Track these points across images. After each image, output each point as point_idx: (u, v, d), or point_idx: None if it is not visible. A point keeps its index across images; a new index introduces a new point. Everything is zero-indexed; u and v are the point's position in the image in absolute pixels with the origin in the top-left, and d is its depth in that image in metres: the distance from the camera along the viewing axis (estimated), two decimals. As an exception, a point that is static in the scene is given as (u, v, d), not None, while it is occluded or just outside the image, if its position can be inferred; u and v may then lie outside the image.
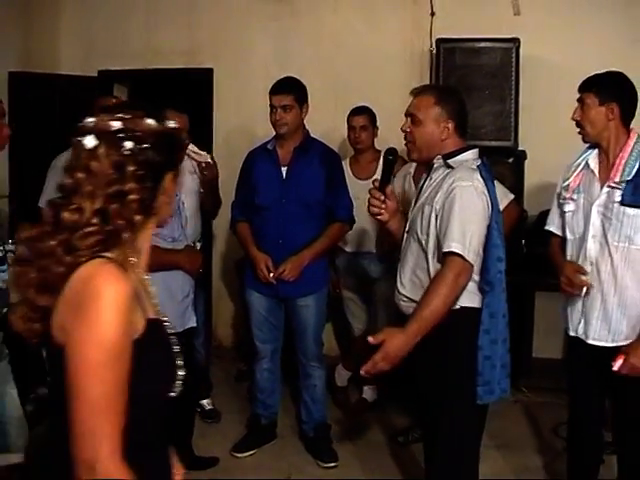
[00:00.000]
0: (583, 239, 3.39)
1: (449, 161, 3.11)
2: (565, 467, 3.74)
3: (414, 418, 4.74)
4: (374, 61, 5.98)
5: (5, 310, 3.23)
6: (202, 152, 4.73)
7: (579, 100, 3.46)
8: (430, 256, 3.07)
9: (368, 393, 5.27)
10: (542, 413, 5.05)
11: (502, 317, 3.10)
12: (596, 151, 3.44)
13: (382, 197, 3.23)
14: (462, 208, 2.97)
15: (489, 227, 3.04)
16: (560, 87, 5.54)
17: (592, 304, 3.38)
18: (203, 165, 4.57)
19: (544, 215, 5.45)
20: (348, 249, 5.15)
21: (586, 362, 3.49)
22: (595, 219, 3.35)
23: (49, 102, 5.97)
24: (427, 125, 3.13)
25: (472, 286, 3.05)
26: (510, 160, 5.30)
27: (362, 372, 3.00)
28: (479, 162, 3.15)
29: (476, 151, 3.19)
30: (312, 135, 4.50)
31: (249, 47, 6.30)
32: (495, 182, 3.42)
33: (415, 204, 3.23)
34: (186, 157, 4.85)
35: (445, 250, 2.96)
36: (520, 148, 5.41)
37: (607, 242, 3.31)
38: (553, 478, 4.14)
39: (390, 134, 5.23)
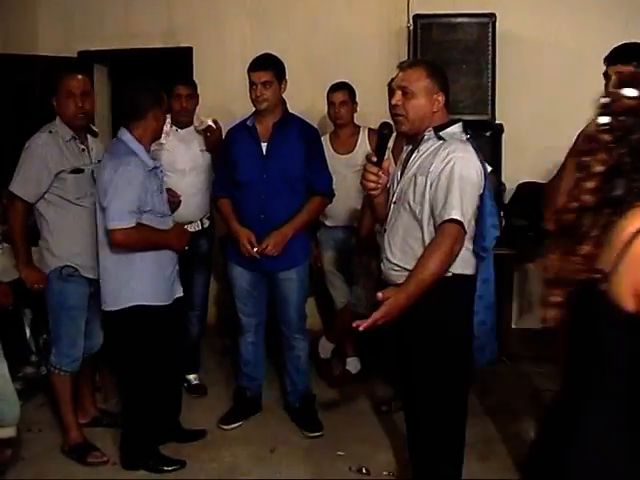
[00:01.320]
0: None
1: (440, 133, 3.17)
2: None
3: (396, 388, 4.84)
4: (351, 38, 6.02)
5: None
6: (203, 119, 4.81)
7: (616, 72, 3.37)
8: (425, 224, 3.13)
9: (351, 364, 5.37)
10: (522, 381, 5.15)
11: (492, 283, 3.21)
12: None
13: (379, 172, 3.26)
14: (460, 178, 3.04)
15: (482, 196, 3.13)
16: (536, 61, 5.66)
17: None
18: (207, 133, 4.73)
19: (522, 187, 5.61)
20: (329, 223, 5.21)
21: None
22: None
23: (29, 84, 5.97)
24: (419, 97, 3.17)
25: (465, 254, 3.14)
26: (487, 133, 5.37)
27: (360, 328, 2.98)
28: (467, 135, 3.23)
29: (462, 124, 3.26)
30: (290, 111, 4.54)
31: (227, 26, 6.32)
32: None
33: (401, 175, 3.28)
34: (193, 132, 4.93)
35: (446, 218, 3.04)
36: (497, 122, 5.48)
37: None
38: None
39: (369, 110, 5.32)
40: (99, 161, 4.12)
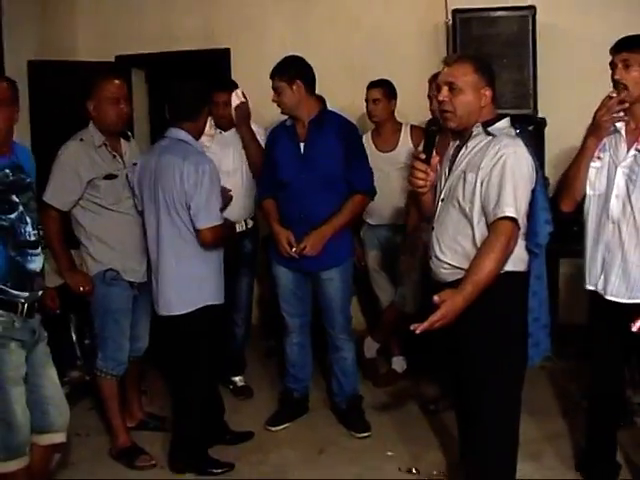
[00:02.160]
0: (606, 197, 3.45)
1: (489, 129, 3.12)
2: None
3: (444, 387, 4.79)
4: (390, 36, 6.00)
5: (41, 293, 3.32)
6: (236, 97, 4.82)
7: (621, 60, 3.40)
8: (475, 222, 3.09)
9: (397, 364, 5.34)
10: (569, 379, 5.10)
11: (545, 279, 3.17)
12: (621, 113, 3.44)
13: (427, 169, 3.22)
14: (512, 174, 2.99)
15: (534, 191, 3.07)
16: (578, 54, 5.58)
17: (612, 261, 3.46)
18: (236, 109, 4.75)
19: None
20: (372, 221, 5.20)
21: (605, 318, 3.58)
22: (620, 179, 3.40)
23: (68, 89, 6.00)
24: (467, 93, 3.12)
25: (517, 250, 3.09)
26: (530, 128, 5.30)
27: (417, 331, 2.93)
28: (516, 130, 3.17)
29: (509, 119, 3.21)
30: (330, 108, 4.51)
31: (265, 27, 6.34)
32: None
33: (449, 172, 3.24)
34: (236, 134, 4.90)
35: (500, 215, 2.99)
36: (540, 115, 5.42)
37: (630, 202, 3.37)
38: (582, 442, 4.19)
39: (409, 107, 5.30)
40: (135, 164, 4.14)
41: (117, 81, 4.19)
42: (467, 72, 3.13)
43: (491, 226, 3.03)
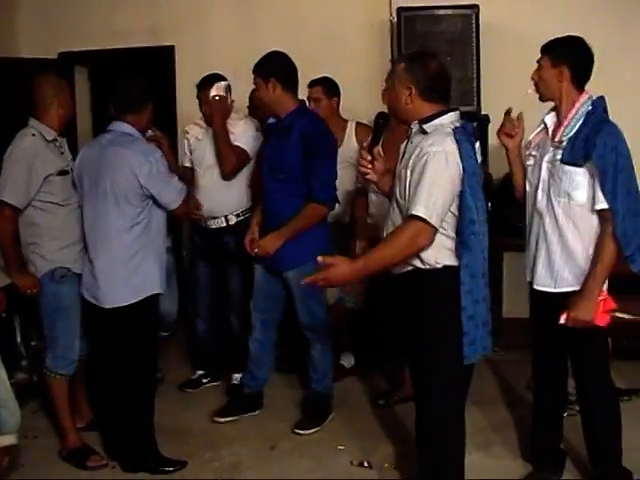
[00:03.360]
0: (534, 192, 3.60)
1: (424, 126, 3.16)
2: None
3: (392, 381, 4.86)
4: (336, 32, 6.05)
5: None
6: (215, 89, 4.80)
7: (538, 62, 3.61)
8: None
9: (345, 359, 5.38)
10: (514, 370, 5.20)
11: (482, 277, 3.19)
12: (552, 112, 3.62)
13: (369, 158, 3.37)
14: (431, 173, 3.03)
15: (461, 191, 3.10)
16: (520, 52, 5.57)
17: (539, 252, 3.59)
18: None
19: (508, 177, 5.59)
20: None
21: (541, 308, 3.70)
22: (544, 174, 3.55)
23: (10, 86, 5.93)
24: (394, 89, 3.24)
25: (452, 245, 3.15)
26: (474, 124, 5.37)
27: (302, 282, 3.17)
28: (457, 125, 3.18)
29: (455, 114, 3.23)
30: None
31: (210, 24, 6.34)
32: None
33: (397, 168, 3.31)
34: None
35: (410, 212, 3.04)
36: (483, 112, 5.51)
37: (550, 196, 3.51)
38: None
39: (356, 103, 5.34)
40: (73, 160, 4.16)
41: (59, 76, 4.22)
42: (399, 69, 3.23)
43: (404, 221, 3.12)
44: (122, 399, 4.13)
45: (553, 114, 3.60)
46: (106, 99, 4.22)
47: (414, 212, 3.01)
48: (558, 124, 3.53)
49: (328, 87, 5.15)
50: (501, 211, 5.46)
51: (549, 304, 3.57)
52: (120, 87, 4.10)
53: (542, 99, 3.62)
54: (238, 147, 4.80)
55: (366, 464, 4.11)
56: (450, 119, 3.19)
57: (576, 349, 3.64)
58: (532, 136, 3.68)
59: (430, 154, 3.05)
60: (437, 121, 3.17)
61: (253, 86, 4.45)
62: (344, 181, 4.79)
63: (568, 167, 3.42)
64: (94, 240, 4.00)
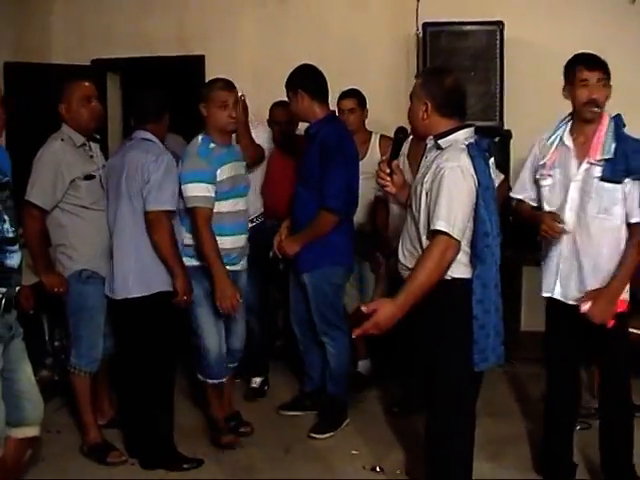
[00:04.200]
0: (561, 211, 3.62)
1: (439, 142, 3.25)
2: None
3: (408, 390, 4.91)
4: (361, 46, 6.13)
5: (18, 289, 3.39)
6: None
7: (596, 79, 3.57)
8: (422, 230, 3.24)
9: (363, 367, 5.45)
10: (530, 383, 5.26)
11: (494, 287, 3.27)
12: (568, 128, 3.67)
13: (387, 170, 3.46)
14: (448, 188, 3.11)
15: (476, 204, 3.19)
16: (543, 68, 5.70)
17: (570, 270, 3.65)
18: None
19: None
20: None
21: (562, 321, 3.76)
22: (574, 193, 3.59)
23: (43, 91, 6.05)
24: (414, 105, 3.33)
25: (464, 259, 3.22)
26: (496, 139, 5.44)
27: (353, 335, 3.19)
28: (471, 141, 3.26)
29: (469, 130, 3.31)
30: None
31: (238, 35, 6.43)
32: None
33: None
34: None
35: (432, 228, 3.13)
36: (505, 127, 5.57)
37: (585, 214, 3.56)
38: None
39: (379, 115, 5.41)
40: (103, 166, 4.31)
41: (87, 82, 4.31)
42: (417, 85, 3.34)
43: (430, 238, 3.19)
44: (139, 396, 4.26)
45: (568, 131, 3.66)
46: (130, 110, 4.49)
47: (437, 227, 3.11)
48: (583, 143, 3.59)
49: (360, 99, 5.23)
50: (521, 226, 5.52)
51: (573, 316, 3.61)
52: (138, 100, 4.35)
53: (594, 117, 3.59)
54: (256, 143, 4.95)
55: (378, 469, 4.18)
56: (465, 135, 3.28)
57: (604, 358, 3.74)
58: (548, 156, 3.70)
59: (446, 169, 3.14)
60: (452, 137, 3.25)
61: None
62: (367, 192, 4.87)
63: (608, 184, 3.50)
64: (115, 237, 4.17)
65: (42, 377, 4.98)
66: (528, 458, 4.25)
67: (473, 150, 3.22)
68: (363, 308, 3.14)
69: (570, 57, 3.70)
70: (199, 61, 6.45)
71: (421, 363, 3.48)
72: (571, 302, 3.65)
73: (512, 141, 5.56)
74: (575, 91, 3.60)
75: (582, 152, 3.59)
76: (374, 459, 4.27)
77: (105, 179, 4.24)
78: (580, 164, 3.59)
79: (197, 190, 4.15)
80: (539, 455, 4.12)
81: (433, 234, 3.14)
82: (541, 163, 3.73)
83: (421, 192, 3.23)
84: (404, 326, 3.20)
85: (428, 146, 3.33)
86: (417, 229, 3.27)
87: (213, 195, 4.19)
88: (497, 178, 4.36)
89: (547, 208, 3.69)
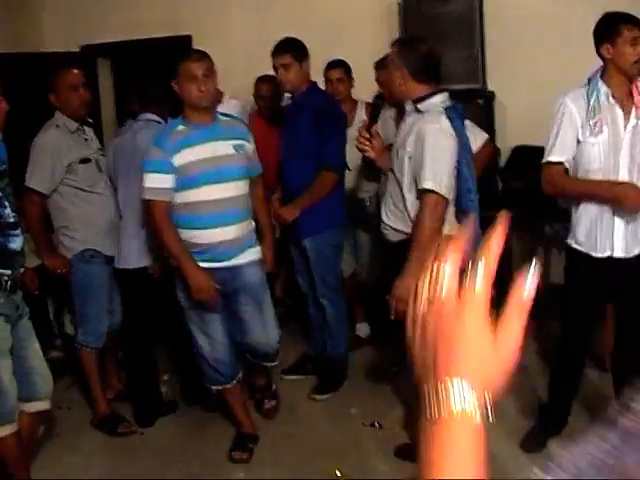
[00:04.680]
0: (614, 168, 3.58)
1: (418, 106, 3.42)
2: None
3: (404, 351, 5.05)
4: (345, 17, 6.21)
5: (22, 270, 3.55)
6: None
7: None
8: (405, 191, 3.42)
9: (361, 330, 5.63)
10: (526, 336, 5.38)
11: (477, 243, 3.42)
12: (604, 86, 3.59)
13: (367, 135, 3.62)
14: (432, 149, 3.29)
15: (458, 163, 3.36)
16: (524, 30, 5.83)
17: (621, 224, 3.61)
18: None
19: (517, 151, 5.80)
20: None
21: (596, 275, 3.72)
22: (625, 150, 3.56)
23: (36, 80, 6.17)
24: (391, 72, 3.50)
25: (452, 216, 3.42)
26: (480, 101, 5.56)
27: (392, 317, 3.39)
28: (448, 104, 3.43)
29: (445, 94, 3.48)
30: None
31: (226, 13, 6.54)
32: (469, 123, 3.76)
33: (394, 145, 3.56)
34: None
35: (420, 187, 3.31)
36: (489, 89, 5.69)
37: (634, 169, 3.57)
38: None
39: (364, 85, 5.51)
40: (99, 149, 4.49)
41: (75, 70, 4.44)
42: (393, 53, 3.51)
43: (420, 198, 3.35)
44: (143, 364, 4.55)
45: (604, 89, 3.57)
46: (132, 95, 4.56)
47: (425, 186, 3.29)
48: (626, 98, 3.58)
49: (347, 69, 5.34)
50: (509, 184, 5.66)
51: (618, 270, 3.65)
52: (142, 84, 4.54)
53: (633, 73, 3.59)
54: None
55: (377, 425, 4.36)
56: (441, 99, 3.45)
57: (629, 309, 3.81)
58: (596, 117, 3.57)
59: (428, 131, 3.31)
60: (429, 101, 3.42)
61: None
62: (354, 158, 4.99)
63: None
64: (124, 213, 4.37)
65: (52, 357, 5.14)
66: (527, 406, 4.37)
67: (451, 112, 3.39)
68: (388, 298, 3.38)
69: (601, 16, 3.61)
70: (187, 41, 6.54)
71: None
72: (619, 255, 3.61)
73: (495, 102, 5.67)
74: (622, 49, 3.51)
75: (627, 108, 3.57)
76: (373, 417, 4.45)
77: (113, 159, 4.40)
78: (628, 120, 3.56)
79: (150, 181, 3.79)
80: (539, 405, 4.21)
81: (422, 193, 3.31)
82: (593, 122, 3.59)
83: (403, 155, 3.38)
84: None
85: (407, 110, 3.48)
86: (400, 190, 3.43)
87: (170, 186, 3.77)
88: (481, 138, 4.50)
89: (594, 166, 3.60)
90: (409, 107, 3.46)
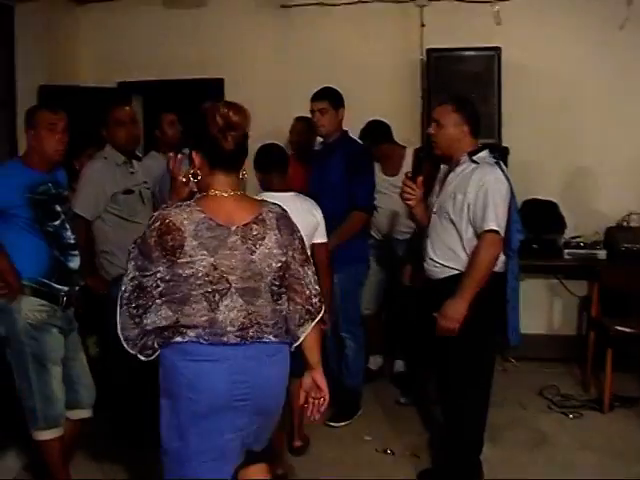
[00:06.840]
0: None
1: (474, 157, 3.86)
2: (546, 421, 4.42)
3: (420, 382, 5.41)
4: (370, 70, 6.49)
5: (77, 289, 3.86)
6: None
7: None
8: (463, 231, 3.83)
9: (373, 362, 5.93)
10: (528, 379, 5.75)
11: (516, 277, 3.96)
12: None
13: (413, 186, 4.02)
14: (493, 196, 3.74)
15: (509, 208, 3.84)
16: (539, 90, 6.21)
17: None
18: None
19: (527, 204, 6.10)
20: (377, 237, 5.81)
21: None
22: None
23: (75, 111, 6.46)
24: (447, 128, 3.90)
25: (501, 255, 3.84)
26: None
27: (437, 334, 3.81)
28: (494, 157, 3.92)
29: (488, 150, 3.94)
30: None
31: (254, 59, 6.82)
32: None
33: (440, 191, 3.96)
34: None
35: (485, 228, 3.73)
36: (504, 145, 6.00)
37: None
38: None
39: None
40: (144, 182, 4.77)
41: (127, 107, 4.81)
42: (448, 112, 3.92)
43: (479, 238, 3.77)
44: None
45: None
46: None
47: (490, 227, 3.72)
48: None
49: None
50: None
51: None
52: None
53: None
54: None
55: (389, 451, 4.64)
56: (487, 153, 3.92)
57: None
58: None
59: (489, 181, 3.77)
60: (481, 154, 3.89)
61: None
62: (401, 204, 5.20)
63: None
64: None
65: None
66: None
67: (500, 164, 3.89)
68: (435, 315, 3.79)
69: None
70: (219, 84, 6.83)
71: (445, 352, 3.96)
72: None
73: (509, 157, 5.97)
74: None
75: None
76: (385, 444, 4.72)
77: (155, 190, 4.75)
78: None
79: None
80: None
81: (483, 233, 3.73)
82: None
83: (463, 200, 3.80)
84: (419, 324, 3.74)
85: (461, 161, 3.90)
86: (457, 232, 3.84)
87: None
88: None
89: None
90: (463, 158, 3.87)
